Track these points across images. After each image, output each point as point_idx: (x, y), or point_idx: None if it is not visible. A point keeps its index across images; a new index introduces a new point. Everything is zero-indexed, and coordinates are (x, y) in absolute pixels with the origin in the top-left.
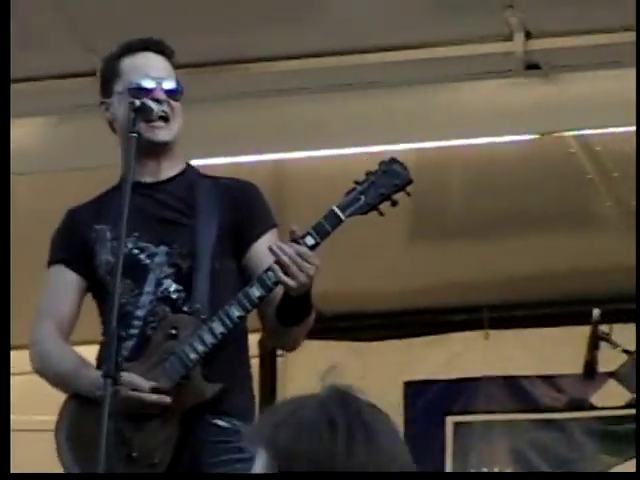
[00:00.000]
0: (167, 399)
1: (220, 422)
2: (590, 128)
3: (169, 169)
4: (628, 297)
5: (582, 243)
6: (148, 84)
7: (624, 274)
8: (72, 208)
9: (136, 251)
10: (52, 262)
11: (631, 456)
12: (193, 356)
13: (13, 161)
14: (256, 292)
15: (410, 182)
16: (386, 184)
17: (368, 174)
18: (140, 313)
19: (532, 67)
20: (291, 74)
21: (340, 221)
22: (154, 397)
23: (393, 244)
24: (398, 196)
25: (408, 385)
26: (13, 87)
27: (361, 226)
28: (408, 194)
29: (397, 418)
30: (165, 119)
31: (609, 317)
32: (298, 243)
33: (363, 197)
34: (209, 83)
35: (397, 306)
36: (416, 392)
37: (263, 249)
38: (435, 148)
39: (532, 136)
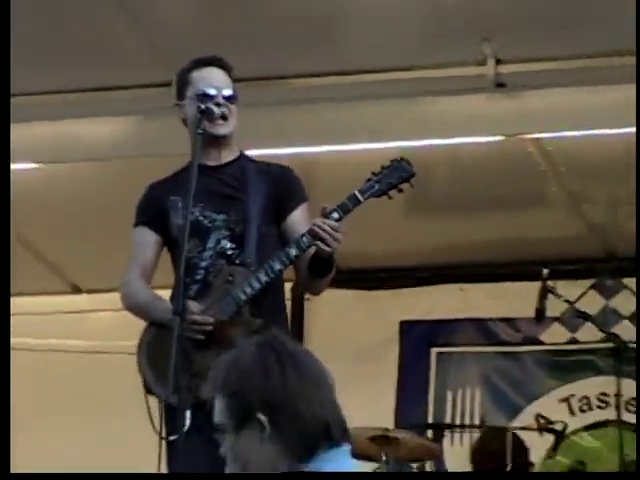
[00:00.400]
0: (210, 319)
1: None
2: (543, 132)
3: (227, 156)
4: (569, 260)
5: (535, 218)
6: (211, 91)
7: (566, 242)
8: (152, 183)
9: (201, 218)
10: (137, 224)
11: (569, 381)
12: (243, 297)
13: (105, 149)
14: (293, 252)
15: (413, 175)
16: (395, 176)
17: (382, 168)
18: (203, 264)
19: (500, 85)
20: (317, 88)
21: (359, 202)
22: (199, 317)
23: (393, 218)
24: (403, 185)
25: (402, 324)
26: (106, 94)
27: (372, 203)
28: (411, 185)
29: (394, 349)
30: (224, 118)
31: (555, 275)
32: (327, 217)
33: (377, 185)
34: (259, 92)
35: (395, 264)
36: (408, 329)
37: (297, 218)
38: (427, 146)
39: (499, 138)
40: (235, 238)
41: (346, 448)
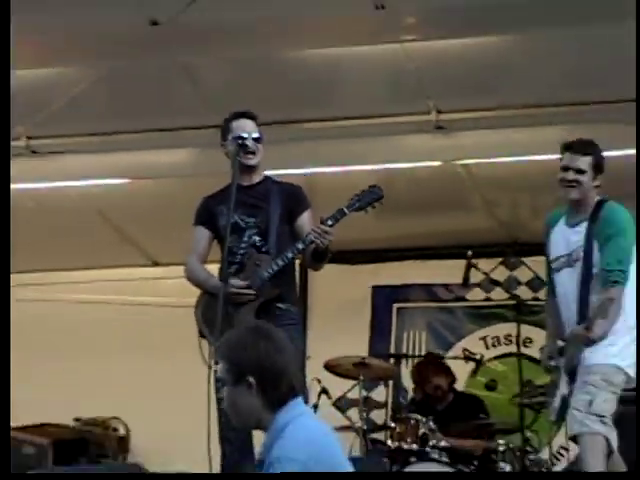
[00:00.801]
0: (251, 291)
1: (281, 305)
2: (469, 159)
3: (255, 179)
4: (486, 245)
5: (463, 217)
6: (244, 135)
7: (484, 233)
8: (206, 196)
9: (239, 220)
10: (196, 223)
11: (485, 326)
12: (266, 275)
13: (175, 170)
14: (300, 246)
15: (382, 197)
16: (370, 197)
17: (362, 191)
18: (240, 252)
19: (439, 128)
20: (317, 129)
21: (345, 214)
22: (244, 289)
23: (368, 217)
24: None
25: (374, 288)
26: (176, 133)
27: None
28: (381, 203)
29: (368, 304)
30: (253, 153)
31: (476, 255)
32: (323, 223)
33: (358, 203)
34: (278, 132)
35: (369, 247)
36: (377, 291)
37: (304, 221)
38: (390, 168)
39: (438, 163)
40: (261, 234)
41: (300, 399)
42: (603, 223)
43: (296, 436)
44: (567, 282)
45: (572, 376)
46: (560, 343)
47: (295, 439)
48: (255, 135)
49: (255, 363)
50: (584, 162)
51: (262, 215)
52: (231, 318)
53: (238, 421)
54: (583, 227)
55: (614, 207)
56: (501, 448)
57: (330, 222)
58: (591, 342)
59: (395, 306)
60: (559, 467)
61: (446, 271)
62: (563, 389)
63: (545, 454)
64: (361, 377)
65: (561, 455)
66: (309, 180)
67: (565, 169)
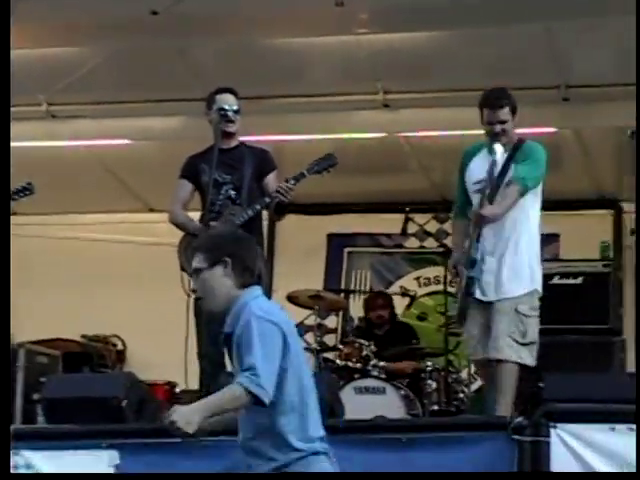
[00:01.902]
0: None
1: None
2: (409, 132)
3: (233, 143)
4: (422, 202)
5: (403, 179)
6: (226, 107)
7: (420, 192)
8: (191, 155)
9: (218, 177)
10: (181, 177)
11: (419, 269)
12: (238, 222)
13: (168, 134)
14: (267, 199)
15: (336, 164)
16: (326, 163)
17: (320, 158)
18: (218, 203)
19: (386, 105)
20: (286, 104)
21: (305, 176)
22: None
23: (327, 176)
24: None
25: (329, 235)
26: (170, 104)
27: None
28: (335, 168)
29: (323, 249)
30: (232, 122)
31: (413, 210)
32: (287, 182)
33: (316, 167)
34: (253, 106)
35: (326, 201)
36: (332, 238)
37: (271, 179)
38: (345, 138)
39: (383, 134)
40: (236, 189)
41: (260, 288)
42: (522, 152)
43: (262, 305)
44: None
45: (472, 265)
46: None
47: (263, 305)
48: (235, 107)
49: (231, 248)
50: (504, 113)
51: (237, 174)
52: None
53: (212, 302)
54: (505, 157)
55: (536, 144)
56: (429, 368)
57: (292, 182)
58: (484, 219)
59: (346, 250)
60: (475, 385)
61: (388, 223)
62: (461, 294)
63: (464, 374)
64: (316, 307)
65: (477, 375)
66: (277, 147)
67: (490, 123)
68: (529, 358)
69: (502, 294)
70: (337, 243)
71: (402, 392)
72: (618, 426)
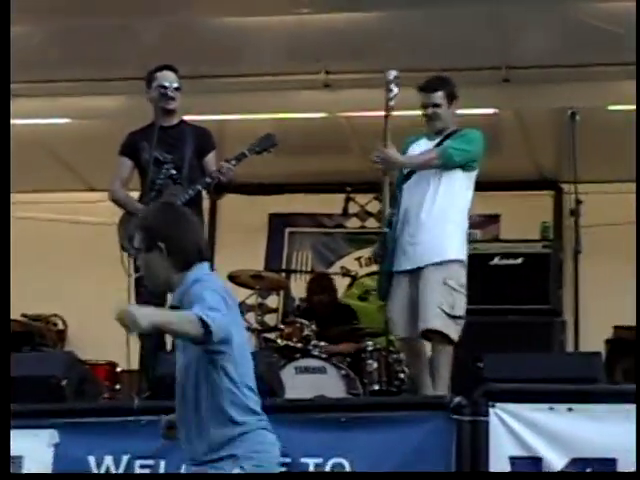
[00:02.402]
0: None
1: None
2: (348, 112)
3: (173, 120)
4: (362, 182)
5: (343, 159)
6: (166, 84)
7: (359, 173)
8: (131, 131)
9: (159, 156)
10: (120, 154)
11: (359, 249)
12: (179, 202)
13: (108, 112)
14: (208, 180)
15: (276, 144)
16: (267, 144)
17: (261, 137)
18: (159, 182)
19: (327, 86)
20: (227, 83)
21: (246, 156)
22: None
23: (269, 156)
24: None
25: (270, 215)
26: (112, 83)
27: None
28: (274, 149)
29: (265, 229)
30: (173, 99)
31: (354, 191)
32: (227, 162)
33: (257, 147)
34: (194, 85)
35: (268, 181)
36: (274, 218)
37: (210, 158)
38: (286, 118)
39: (324, 114)
40: (177, 168)
41: (206, 264)
42: (455, 133)
43: (210, 281)
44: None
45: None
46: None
47: (212, 282)
48: (175, 85)
49: (164, 230)
50: (437, 96)
51: (178, 153)
52: None
53: (152, 284)
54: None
55: (474, 130)
56: (369, 348)
57: (233, 162)
58: (385, 161)
59: (287, 230)
60: None
61: (329, 203)
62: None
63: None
64: (257, 287)
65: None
66: (219, 126)
67: (425, 107)
68: (455, 333)
69: (427, 260)
70: (278, 223)
71: (343, 372)
72: (557, 406)
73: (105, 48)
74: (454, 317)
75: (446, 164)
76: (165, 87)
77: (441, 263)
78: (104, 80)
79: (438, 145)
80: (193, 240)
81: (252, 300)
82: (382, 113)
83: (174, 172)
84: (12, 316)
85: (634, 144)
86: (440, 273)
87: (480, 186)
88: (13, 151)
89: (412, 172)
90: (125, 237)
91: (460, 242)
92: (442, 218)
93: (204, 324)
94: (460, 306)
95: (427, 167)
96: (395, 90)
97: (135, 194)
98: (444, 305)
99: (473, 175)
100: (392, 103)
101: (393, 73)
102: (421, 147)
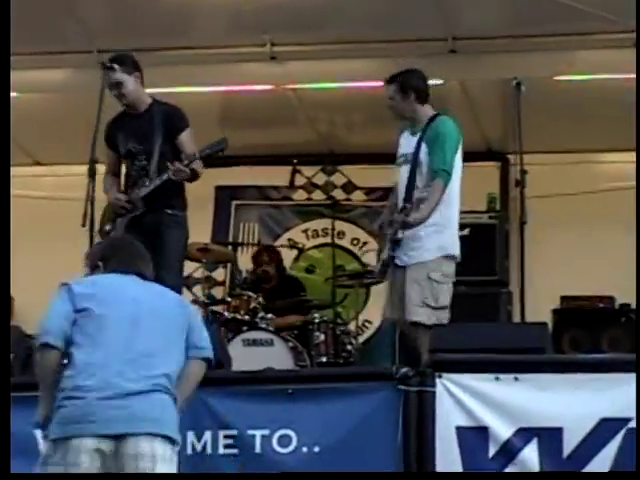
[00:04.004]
0: (127, 205)
1: (169, 211)
2: (297, 84)
3: (141, 107)
4: (309, 155)
5: (290, 131)
6: (109, 86)
7: (307, 144)
8: (109, 121)
9: (131, 148)
10: (106, 146)
11: (307, 221)
12: (141, 194)
13: (56, 86)
14: (164, 177)
15: (226, 148)
16: (218, 148)
17: (214, 142)
18: (133, 174)
19: (273, 58)
20: (173, 56)
21: (197, 158)
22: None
23: (215, 129)
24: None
25: (217, 188)
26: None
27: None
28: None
29: (211, 201)
30: (122, 96)
31: (300, 163)
32: (181, 162)
33: (208, 150)
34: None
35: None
36: (219, 191)
37: (183, 139)
38: (233, 90)
39: (270, 87)
40: (148, 159)
41: (124, 275)
42: (431, 131)
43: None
44: (403, 176)
45: (394, 245)
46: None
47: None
48: (115, 80)
49: (100, 254)
50: (389, 89)
51: (148, 142)
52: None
53: None
54: (418, 135)
55: (443, 119)
56: (317, 320)
57: (186, 162)
58: (408, 225)
59: (234, 203)
60: (364, 337)
61: (275, 175)
62: (384, 254)
63: (352, 326)
64: (204, 260)
65: (365, 327)
66: (165, 99)
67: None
68: (436, 320)
69: (413, 259)
70: (225, 195)
71: (290, 344)
72: (503, 376)
73: (51, 21)
74: (439, 308)
75: (448, 180)
76: (110, 89)
77: (424, 262)
78: (50, 53)
79: (419, 141)
80: (129, 260)
81: (199, 273)
82: (328, 85)
83: (145, 163)
84: None
85: (580, 114)
86: (424, 268)
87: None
88: None
89: (401, 164)
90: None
91: (444, 236)
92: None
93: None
94: (444, 297)
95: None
96: None
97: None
98: (429, 299)
99: (458, 156)
100: None
101: None
102: (406, 140)
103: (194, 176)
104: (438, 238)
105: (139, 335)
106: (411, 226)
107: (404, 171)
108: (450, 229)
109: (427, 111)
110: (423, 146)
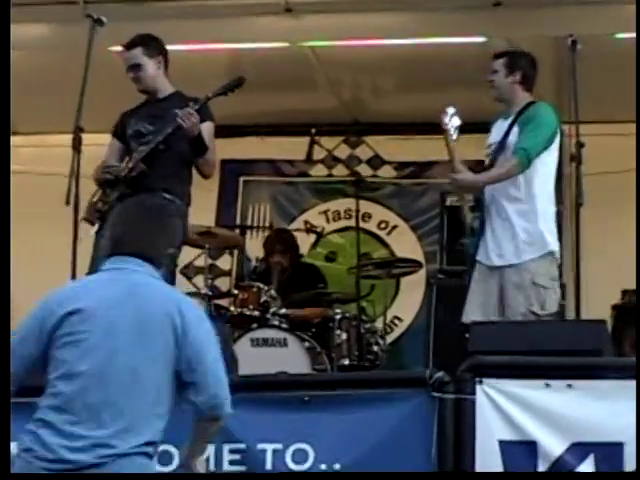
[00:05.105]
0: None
1: (167, 195)
2: (316, 41)
3: (160, 94)
4: (329, 124)
5: (308, 96)
6: (127, 68)
7: (327, 112)
8: (124, 112)
9: (142, 128)
10: (111, 135)
11: (326, 201)
12: (145, 150)
13: (34, 43)
14: (169, 129)
15: (242, 84)
16: (233, 85)
17: (230, 81)
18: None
19: (288, 10)
20: (173, 8)
21: (209, 99)
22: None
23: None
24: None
25: (222, 162)
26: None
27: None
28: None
29: (216, 178)
30: (136, 81)
31: (319, 133)
32: (189, 107)
33: (222, 88)
34: (137, 11)
35: (218, 123)
36: (225, 166)
37: (204, 131)
38: (243, 48)
39: (285, 44)
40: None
41: (119, 258)
42: (526, 114)
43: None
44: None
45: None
46: None
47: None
48: (133, 63)
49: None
50: (496, 63)
51: (160, 124)
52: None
53: None
54: (510, 119)
55: (542, 105)
56: (338, 317)
57: (197, 106)
58: (460, 186)
59: (241, 179)
60: (393, 336)
61: (291, 148)
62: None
63: (379, 323)
64: (207, 246)
65: (394, 325)
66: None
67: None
68: None
69: (509, 259)
70: (232, 171)
71: (306, 344)
72: (554, 382)
73: None
74: (549, 315)
75: (526, 167)
76: (128, 71)
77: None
78: (28, 4)
79: (510, 125)
80: (115, 236)
81: (201, 261)
82: (352, 42)
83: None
84: None
85: None
86: (527, 272)
87: (471, 128)
88: None
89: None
90: (92, 213)
91: (543, 233)
92: (523, 214)
93: None
94: (551, 302)
95: (509, 177)
96: (456, 124)
97: None
98: (535, 307)
99: (554, 148)
100: (454, 137)
101: (451, 110)
102: (498, 129)
103: (202, 143)
104: (541, 234)
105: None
106: (462, 186)
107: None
108: (548, 223)
109: (526, 98)
110: (514, 129)
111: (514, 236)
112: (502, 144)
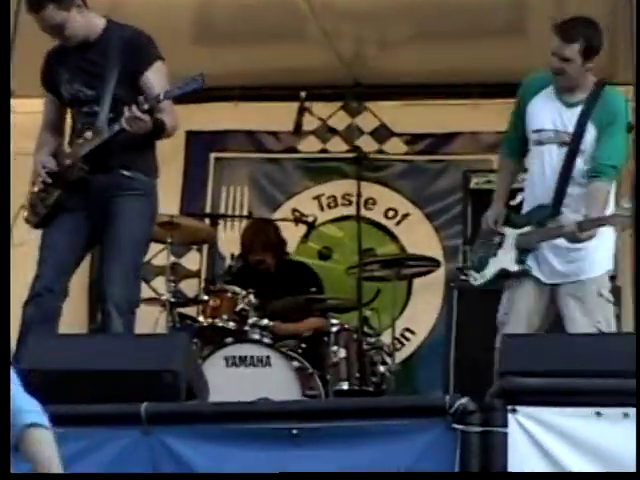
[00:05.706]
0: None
1: (126, 172)
2: None
3: (92, 36)
4: (323, 86)
5: (297, 51)
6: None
7: (321, 71)
8: (49, 50)
9: (79, 93)
10: (43, 87)
11: (320, 183)
12: (85, 149)
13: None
14: (116, 127)
15: (202, 86)
16: (191, 88)
17: (187, 79)
18: (79, 126)
19: None
20: None
21: (159, 101)
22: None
23: (186, 47)
24: None
25: (188, 134)
26: None
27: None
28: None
29: (180, 153)
30: (60, 35)
31: (311, 98)
32: (139, 106)
33: (178, 90)
34: None
35: None
36: (192, 138)
37: (151, 77)
38: None
39: None
40: (100, 105)
41: None
42: (603, 109)
43: None
44: (548, 160)
45: (522, 255)
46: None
47: None
48: (54, 23)
49: None
50: (571, 50)
51: (100, 85)
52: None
53: None
54: (579, 108)
55: (615, 95)
56: (334, 329)
57: (146, 106)
58: (578, 241)
59: (212, 156)
60: (403, 353)
61: (275, 115)
62: (504, 261)
63: (386, 337)
64: (169, 240)
65: (406, 339)
66: (113, 4)
67: (553, 54)
68: None
69: (573, 274)
70: (200, 145)
71: (295, 364)
72: (607, 410)
73: None
74: None
75: (614, 178)
76: (49, 34)
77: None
78: None
79: (582, 120)
80: None
81: (162, 259)
82: None
83: (97, 109)
84: None
85: None
86: (594, 284)
87: (495, 91)
88: None
89: (545, 142)
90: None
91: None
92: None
93: None
94: (613, 320)
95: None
96: None
97: None
98: (602, 324)
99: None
100: None
101: None
102: (546, 104)
103: (159, 128)
104: (605, 248)
105: None
106: (579, 242)
107: (552, 153)
108: (611, 240)
109: (592, 78)
110: (590, 128)
111: (584, 250)
112: (578, 144)
